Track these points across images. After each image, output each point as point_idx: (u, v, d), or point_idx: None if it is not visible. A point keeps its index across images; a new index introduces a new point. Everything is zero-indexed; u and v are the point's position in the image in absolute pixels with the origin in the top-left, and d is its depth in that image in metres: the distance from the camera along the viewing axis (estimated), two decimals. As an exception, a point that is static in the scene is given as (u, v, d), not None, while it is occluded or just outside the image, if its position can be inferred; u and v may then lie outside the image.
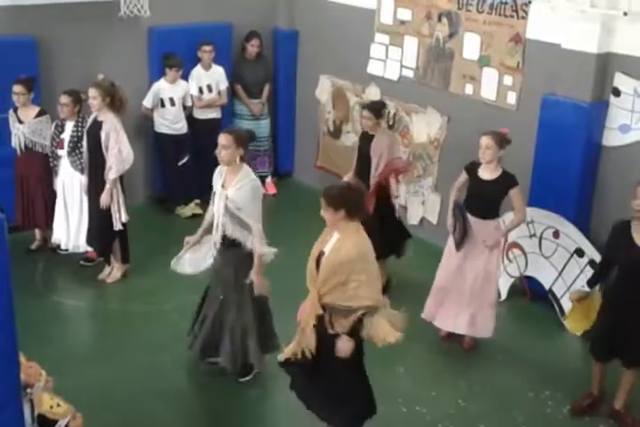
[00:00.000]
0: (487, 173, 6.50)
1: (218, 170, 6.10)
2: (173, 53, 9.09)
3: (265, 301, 6.19)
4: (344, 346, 5.05)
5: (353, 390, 5.27)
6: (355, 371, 5.27)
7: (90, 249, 7.95)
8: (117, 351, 6.70)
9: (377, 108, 7.50)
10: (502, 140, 6.43)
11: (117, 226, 7.57)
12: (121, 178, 7.53)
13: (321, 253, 5.07)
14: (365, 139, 7.54)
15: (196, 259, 6.29)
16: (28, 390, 4.58)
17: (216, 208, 6.00)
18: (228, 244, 6.00)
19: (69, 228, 7.92)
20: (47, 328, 6.94)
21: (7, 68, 7.91)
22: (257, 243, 5.85)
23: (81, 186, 7.74)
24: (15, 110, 7.93)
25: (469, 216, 6.57)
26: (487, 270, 6.60)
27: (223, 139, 5.84)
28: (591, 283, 6.17)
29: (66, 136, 7.72)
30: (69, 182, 7.80)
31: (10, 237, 4.02)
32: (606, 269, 5.91)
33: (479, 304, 6.63)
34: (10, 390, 4.17)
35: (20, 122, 7.90)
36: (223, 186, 5.96)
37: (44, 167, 7.99)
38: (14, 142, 7.96)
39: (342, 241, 4.98)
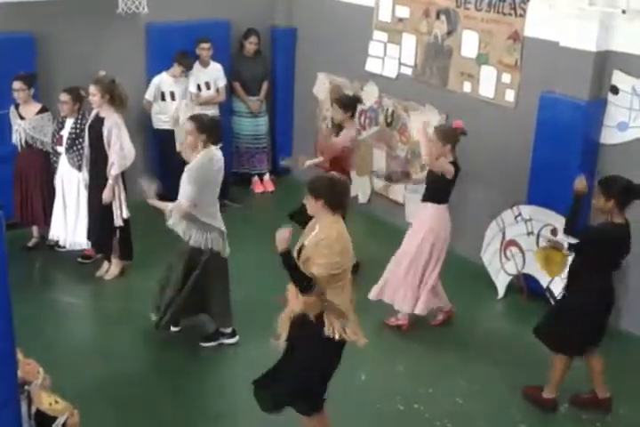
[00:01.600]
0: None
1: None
2: (188, 53, 9.09)
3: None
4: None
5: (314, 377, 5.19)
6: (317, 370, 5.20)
7: (87, 246, 7.95)
8: (115, 349, 6.69)
9: (345, 102, 7.71)
10: (448, 135, 6.68)
11: (118, 222, 7.58)
12: (123, 174, 7.53)
13: (302, 247, 5.04)
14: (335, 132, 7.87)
15: None
16: (26, 388, 4.58)
17: None
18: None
19: (67, 224, 7.91)
20: (45, 326, 6.94)
21: (5, 65, 7.91)
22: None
23: (78, 183, 7.74)
24: (16, 107, 7.94)
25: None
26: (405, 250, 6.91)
27: (185, 124, 6.30)
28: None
29: (65, 133, 7.72)
30: (67, 179, 7.79)
31: (7, 233, 4.01)
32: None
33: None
34: (8, 388, 4.17)
35: (22, 118, 7.89)
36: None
37: (44, 164, 7.99)
38: (15, 138, 7.96)
39: (322, 230, 4.95)
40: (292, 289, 5.08)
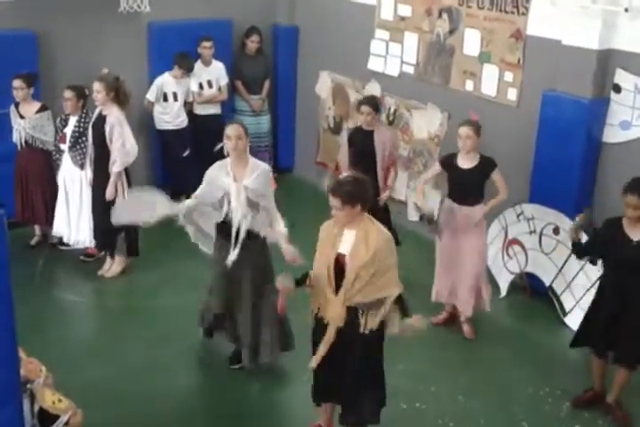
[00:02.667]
0: (467, 161, 6.66)
1: (218, 166, 6.03)
2: (188, 55, 9.09)
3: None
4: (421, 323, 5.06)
5: (380, 380, 5.28)
6: (380, 363, 5.26)
7: (89, 244, 7.95)
8: (118, 347, 6.70)
9: (375, 103, 7.54)
10: (479, 129, 6.60)
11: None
12: (127, 171, 7.53)
13: (339, 256, 4.93)
14: (362, 134, 7.52)
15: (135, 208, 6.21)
16: (28, 386, 4.58)
17: (235, 204, 5.90)
18: (246, 241, 5.98)
19: (70, 222, 7.91)
20: (47, 324, 6.95)
21: (7, 63, 7.92)
22: (281, 224, 5.96)
23: (81, 181, 7.74)
24: (16, 106, 7.94)
25: (456, 205, 6.76)
26: (478, 249, 6.83)
27: (235, 130, 5.86)
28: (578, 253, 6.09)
29: (68, 131, 7.73)
30: (70, 177, 7.80)
31: (10, 232, 4.01)
32: (587, 253, 5.93)
33: (476, 279, 6.84)
34: (10, 386, 4.17)
35: (22, 117, 7.90)
36: (235, 180, 5.91)
37: (45, 163, 8.02)
38: (15, 137, 7.97)
39: (364, 234, 4.89)
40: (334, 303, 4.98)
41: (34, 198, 8.07)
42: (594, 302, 5.91)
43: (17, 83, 7.78)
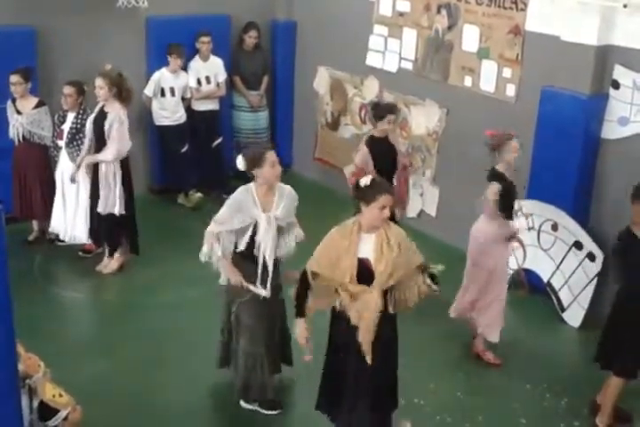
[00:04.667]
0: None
1: (244, 192, 5.52)
2: (180, 43, 9.07)
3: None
4: None
5: (395, 380, 5.25)
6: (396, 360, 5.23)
7: (86, 241, 7.95)
8: (116, 344, 6.70)
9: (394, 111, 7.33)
10: (491, 145, 6.33)
11: (104, 210, 7.52)
12: (126, 168, 7.53)
13: (363, 261, 4.83)
14: (380, 144, 7.18)
15: None
16: (27, 381, 4.58)
17: (263, 237, 5.45)
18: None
19: (66, 219, 7.91)
20: (45, 320, 6.93)
21: (6, 59, 7.90)
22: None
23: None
24: (13, 101, 7.93)
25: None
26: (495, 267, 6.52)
27: (274, 155, 5.54)
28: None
29: (66, 127, 7.72)
30: (67, 173, 7.78)
31: (7, 228, 4.00)
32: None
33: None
34: (8, 382, 4.17)
35: (19, 113, 7.89)
36: (264, 210, 5.48)
37: (42, 158, 8.01)
38: (12, 133, 7.95)
39: (383, 235, 4.82)
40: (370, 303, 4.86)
41: (32, 194, 8.06)
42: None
43: (15, 78, 7.75)
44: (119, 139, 7.34)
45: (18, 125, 7.89)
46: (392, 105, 7.57)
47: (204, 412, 5.96)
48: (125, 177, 7.56)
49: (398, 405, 5.34)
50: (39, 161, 8.01)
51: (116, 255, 7.84)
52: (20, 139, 7.94)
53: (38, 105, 7.94)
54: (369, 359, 4.92)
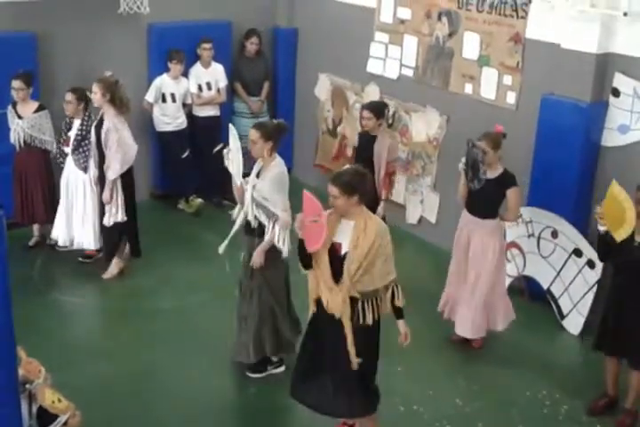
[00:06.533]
0: (488, 172, 6.49)
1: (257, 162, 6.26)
2: (180, 49, 9.09)
3: (282, 288, 6.22)
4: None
5: (372, 377, 5.28)
6: (375, 359, 5.28)
7: (92, 247, 7.94)
8: (117, 348, 6.70)
9: (377, 109, 7.47)
10: (496, 142, 6.45)
11: (110, 222, 7.57)
12: (128, 175, 7.54)
13: (335, 244, 4.98)
14: (366, 139, 7.49)
15: None
16: (27, 386, 4.58)
17: (246, 196, 6.07)
18: (251, 231, 6.06)
19: (71, 225, 7.90)
20: (46, 325, 6.94)
21: (6, 64, 7.90)
22: (277, 231, 5.93)
23: (84, 184, 7.75)
24: (14, 106, 7.94)
25: (470, 216, 6.62)
26: (486, 270, 6.64)
27: (251, 134, 6.12)
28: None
29: (72, 134, 7.73)
30: (73, 180, 7.80)
31: (8, 233, 4.02)
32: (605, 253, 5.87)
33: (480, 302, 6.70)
34: (8, 387, 4.17)
35: (19, 117, 7.90)
36: (258, 176, 6.10)
37: (44, 163, 8.03)
38: (13, 138, 7.96)
39: (362, 224, 4.95)
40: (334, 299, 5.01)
41: (34, 198, 8.07)
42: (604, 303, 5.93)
43: (17, 84, 7.77)
44: (116, 150, 7.34)
45: (19, 130, 7.90)
46: (373, 102, 7.93)
47: (205, 416, 5.95)
48: (127, 183, 7.58)
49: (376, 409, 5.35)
50: (40, 166, 8.02)
51: (116, 260, 7.85)
52: (22, 143, 7.95)
53: (39, 109, 7.96)
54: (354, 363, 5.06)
